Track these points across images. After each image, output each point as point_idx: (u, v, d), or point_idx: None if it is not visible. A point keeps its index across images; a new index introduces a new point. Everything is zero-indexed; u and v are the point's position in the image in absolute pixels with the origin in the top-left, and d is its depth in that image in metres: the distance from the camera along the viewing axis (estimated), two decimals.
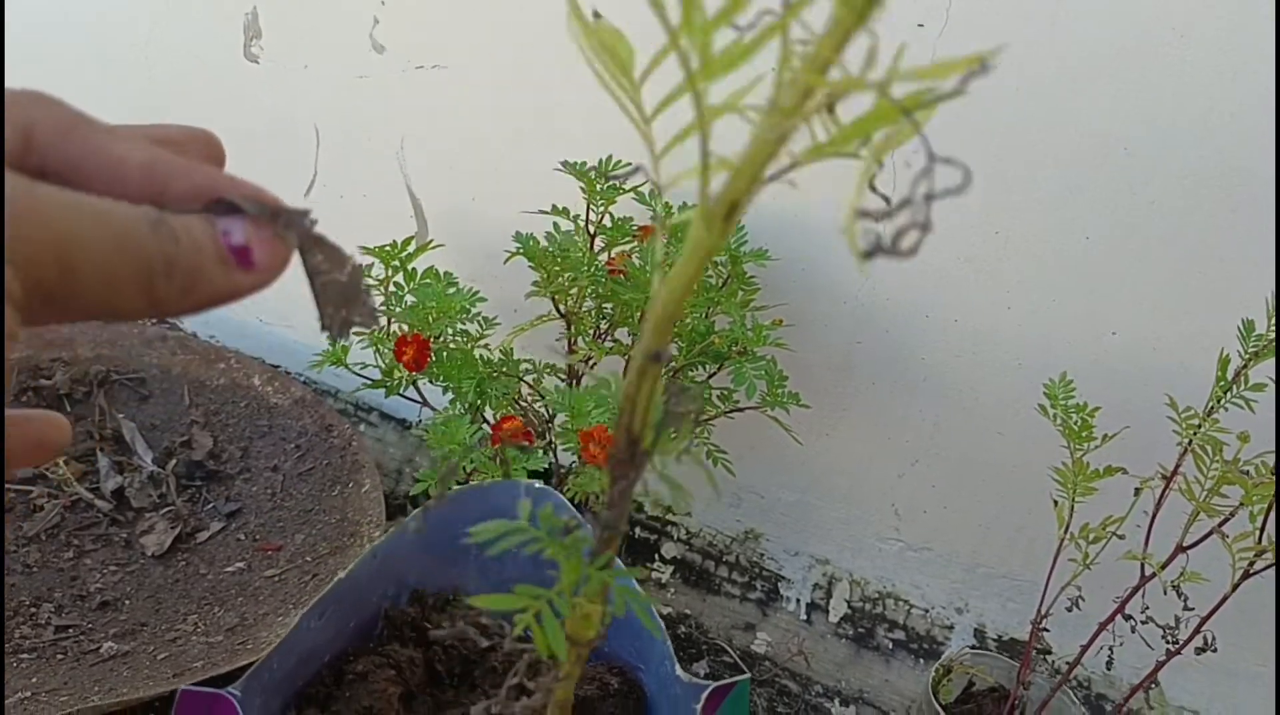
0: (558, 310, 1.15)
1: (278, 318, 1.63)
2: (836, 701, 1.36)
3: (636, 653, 0.69)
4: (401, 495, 1.45)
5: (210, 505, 1.30)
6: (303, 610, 0.60)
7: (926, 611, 1.35)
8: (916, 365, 1.26)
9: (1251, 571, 0.86)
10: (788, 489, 1.38)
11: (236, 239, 0.31)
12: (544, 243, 1.10)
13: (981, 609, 1.32)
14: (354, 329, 0.38)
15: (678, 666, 0.60)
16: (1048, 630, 0.98)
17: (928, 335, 1.24)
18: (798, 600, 1.40)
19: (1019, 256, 1.17)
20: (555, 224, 1.13)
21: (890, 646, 1.36)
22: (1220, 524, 0.86)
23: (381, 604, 0.70)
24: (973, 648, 1.24)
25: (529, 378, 1.18)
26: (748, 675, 0.54)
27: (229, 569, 1.21)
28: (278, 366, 1.49)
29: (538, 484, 0.75)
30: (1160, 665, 0.91)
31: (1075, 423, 0.98)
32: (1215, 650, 0.90)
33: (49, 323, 0.28)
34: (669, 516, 1.47)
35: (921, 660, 1.35)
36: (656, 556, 1.46)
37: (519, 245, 1.11)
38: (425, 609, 0.73)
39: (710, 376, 1.17)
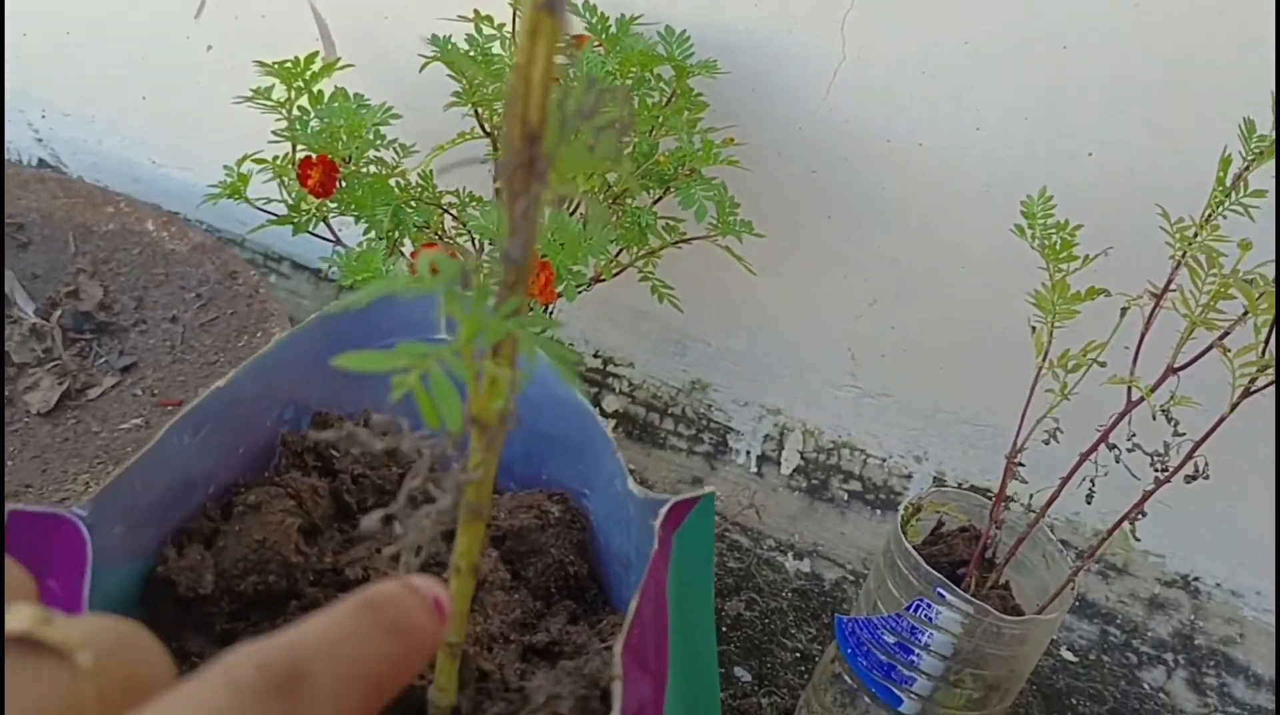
0: (482, 127, 1.02)
1: (172, 159, 1.47)
2: (790, 555, 1.29)
3: (580, 477, 0.59)
4: None
5: (102, 359, 1.18)
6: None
7: (884, 461, 1.28)
8: (876, 196, 1.16)
9: (1252, 389, 0.79)
10: (736, 336, 1.29)
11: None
12: (464, 47, 0.97)
13: (941, 457, 1.25)
14: None
15: (630, 481, 0.50)
16: (1023, 465, 0.91)
17: (889, 162, 1.14)
18: (748, 452, 1.32)
19: (989, 69, 1.07)
20: (477, 27, 1.00)
21: (845, 498, 1.30)
22: (1221, 337, 0.78)
23: (278, 428, 0.59)
24: (942, 486, 1.17)
25: (452, 209, 1.06)
26: (712, 489, 0.44)
27: (124, 426, 1.09)
28: (175, 213, 1.35)
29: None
30: (1148, 495, 0.85)
31: (1055, 242, 0.90)
32: (1208, 477, 0.83)
33: None
34: (610, 367, 1.37)
35: (878, 512, 1.29)
36: (598, 410, 1.36)
37: (435, 49, 0.97)
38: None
39: (655, 202, 1.06)
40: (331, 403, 0.64)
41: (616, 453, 0.55)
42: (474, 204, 1.09)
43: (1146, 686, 1.22)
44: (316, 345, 0.60)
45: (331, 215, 1.07)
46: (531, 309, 0.92)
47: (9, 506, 0.42)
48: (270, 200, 1.06)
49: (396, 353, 0.32)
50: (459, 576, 0.41)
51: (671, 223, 1.07)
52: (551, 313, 1.21)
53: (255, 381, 0.57)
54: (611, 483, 0.57)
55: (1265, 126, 0.83)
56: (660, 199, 1.06)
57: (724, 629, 1.17)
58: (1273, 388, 0.80)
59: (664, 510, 0.49)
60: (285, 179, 1.06)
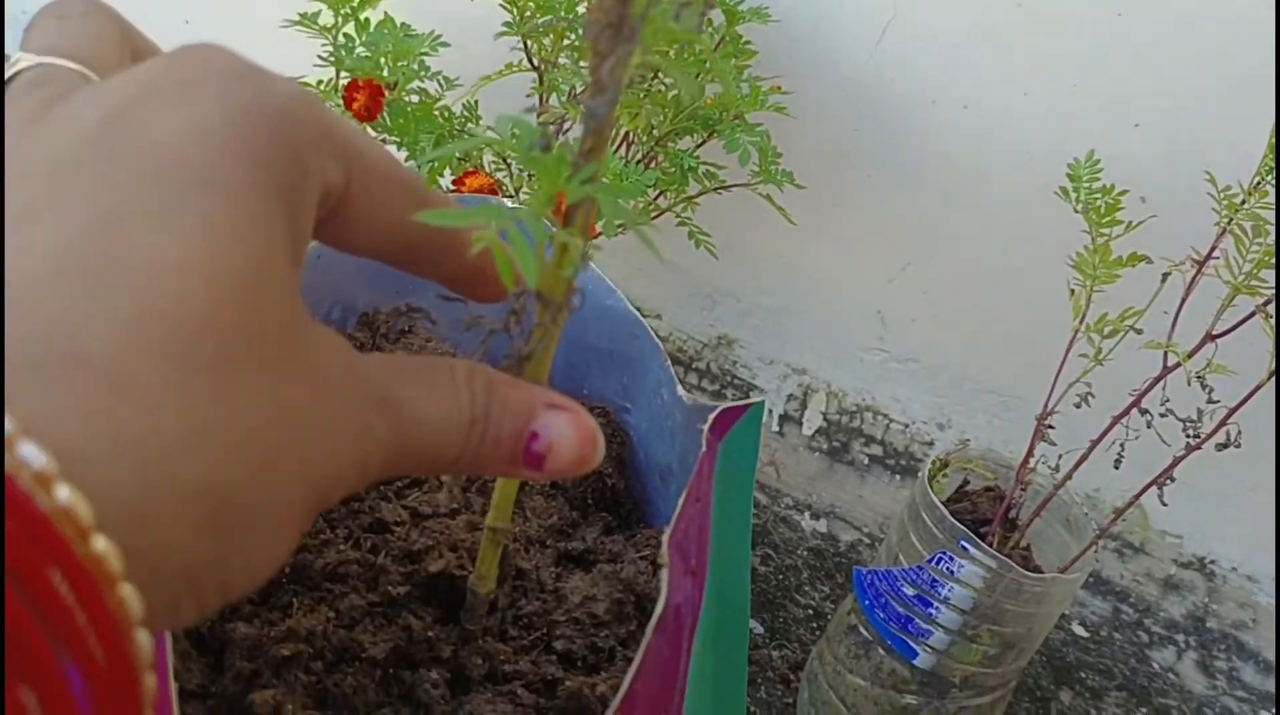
0: (530, 61, 1.02)
1: None
2: (807, 515, 1.29)
3: (622, 390, 0.59)
4: None
5: None
6: None
7: (906, 427, 1.28)
8: (918, 156, 1.16)
9: None
10: (766, 293, 1.29)
11: (538, 447, 0.30)
12: None
13: (965, 426, 1.25)
14: None
15: (679, 388, 0.50)
16: (1052, 427, 0.91)
17: (933, 122, 1.13)
18: (770, 411, 1.32)
19: (1041, 32, 1.06)
20: None
21: (866, 462, 1.29)
22: (1264, 304, 0.78)
23: (326, 326, 0.59)
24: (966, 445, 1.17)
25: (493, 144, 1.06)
26: (762, 399, 0.44)
27: None
28: None
29: (513, 203, 0.64)
30: (1178, 460, 0.84)
31: (1100, 205, 0.89)
32: (1239, 446, 0.83)
33: None
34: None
35: (898, 477, 1.29)
36: None
37: None
38: (376, 336, 0.63)
39: (698, 146, 1.05)
40: (379, 305, 0.64)
41: (665, 361, 0.55)
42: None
43: (1156, 665, 1.22)
44: None
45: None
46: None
47: None
48: None
49: (476, 211, 0.32)
50: None
51: (712, 169, 1.06)
52: (587, 251, 1.21)
53: (310, 273, 0.57)
54: (658, 392, 0.57)
55: None
56: (703, 144, 1.06)
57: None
58: None
59: (713, 416, 0.49)
60: (331, 103, 1.06)
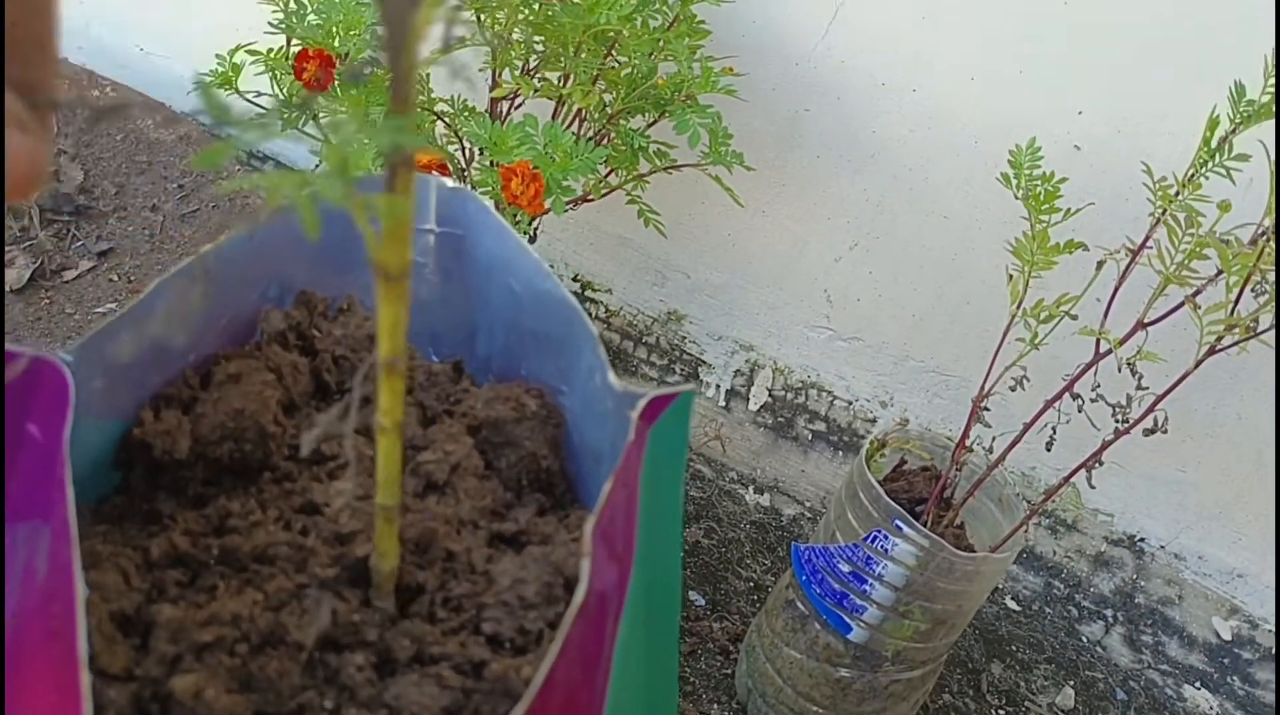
0: (482, 35, 1.01)
1: (162, 46, 1.45)
2: (750, 489, 1.31)
3: (558, 373, 0.60)
4: None
5: (79, 243, 1.16)
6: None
7: (850, 403, 1.30)
8: (866, 139, 1.17)
9: (1218, 348, 0.81)
10: (716, 269, 1.30)
11: None
12: None
13: (907, 403, 1.27)
14: None
15: (611, 374, 0.50)
16: (988, 409, 0.93)
17: (882, 105, 1.14)
18: (717, 386, 1.34)
19: (989, 18, 1.07)
20: None
21: (809, 437, 1.31)
22: (1193, 294, 0.80)
23: (261, 305, 0.59)
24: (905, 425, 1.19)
25: (445, 116, 1.06)
26: (692, 387, 0.45)
27: (99, 310, 1.09)
28: (162, 102, 1.33)
29: (452, 183, 0.64)
30: (1107, 444, 0.87)
31: (1040, 192, 0.91)
32: (1166, 431, 0.85)
33: None
34: (588, 293, 1.37)
35: (841, 453, 1.31)
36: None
37: None
38: (313, 314, 0.63)
39: (649, 125, 1.06)
40: (316, 285, 0.64)
41: (598, 347, 0.56)
42: (468, 113, 1.09)
43: (1085, 639, 1.25)
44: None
45: (322, 115, 1.06)
46: (519, 219, 0.92)
47: None
48: (261, 94, 1.05)
49: (278, 176, 0.32)
50: (385, 435, 0.41)
51: (663, 148, 1.07)
52: (535, 231, 1.21)
53: (243, 253, 0.57)
54: (591, 376, 0.57)
55: (1255, 90, 0.84)
56: (654, 123, 1.06)
57: (682, 555, 1.19)
58: (1239, 354, 0.82)
59: (642, 403, 0.50)
60: (278, 73, 1.05)
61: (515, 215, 0.97)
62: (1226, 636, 1.21)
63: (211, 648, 0.45)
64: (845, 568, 0.91)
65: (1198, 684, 1.22)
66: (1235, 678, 1.21)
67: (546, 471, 0.62)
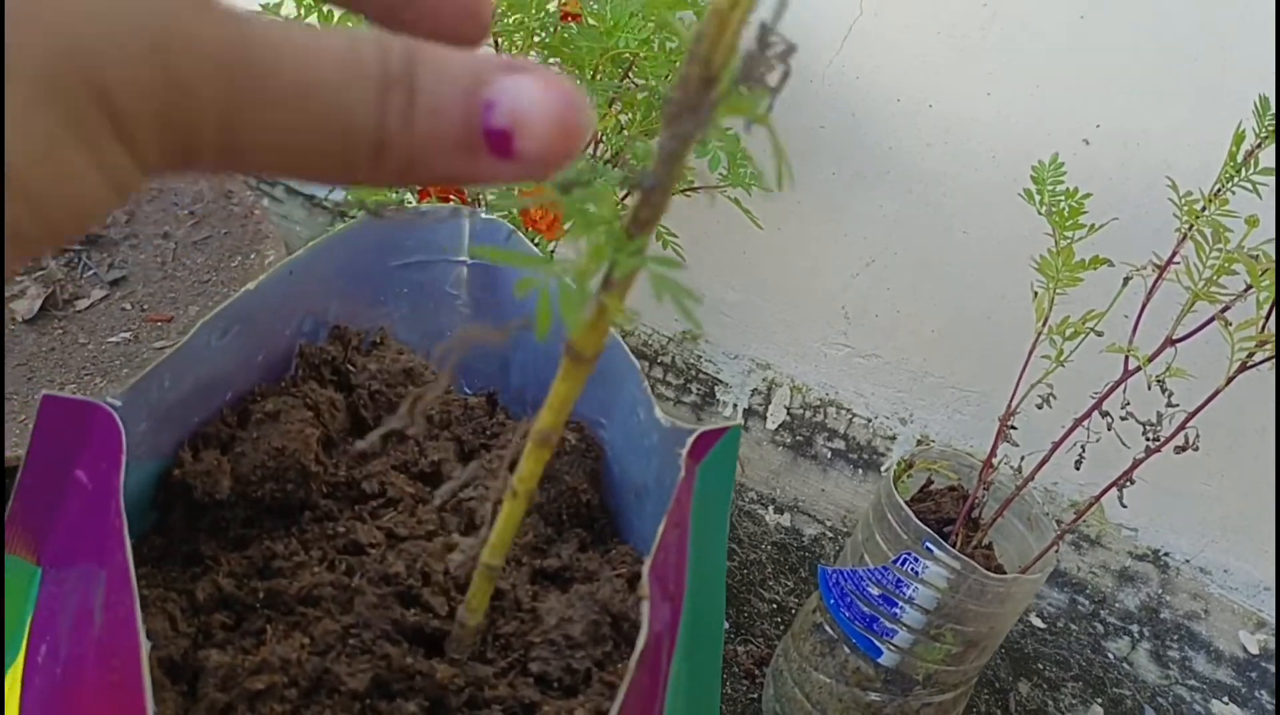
0: None
1: None
2: (770, 509, 1.30)
3: (598, 405, 0.59)
4: None
5: (91, 272, 1.16)
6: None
7: (869, 421, 1.29)
8: (882, 155, 1.16)
9: (1250, 363, 0.80)
10: (732, 288, 1.29)
11: (498, 119, 0.21)
12: None
13: (926, 420, 1.26)
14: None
15: (657, 409, 0.50)
16: (1015, 427, 0.92)
17: (897, 121, 1.14)
18: (735, 405, 1.33)
19: (1004, 34, 1.07)
20: None
21: (829, 456, 1.31)
22: (1222, 311, 0.79)
23: (295, 340, 0.59)
24: (926, 447, 1.18)
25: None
26: (739, 422, 0.44)
27: (112, 339, 1.08)
28: None
29: (486, 213, 0.64)
30: (1138, 463, 0.86)
31: (1063, 208, 0.90)
32: (1197, 449, 0.85)
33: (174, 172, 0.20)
34: None
35: (861, 471, 1.30)
36: None
37: None
38: (347, 349, 0.62)
39: None
40: (350, 318, 0.63)
41: (642, 382, 0.55)
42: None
43: (1111, 655, 1.24)
44: (341, 258, 0.60)
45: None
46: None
47: (44, 393, 0.42)
48: None
49: (528, 257, 0.32)
50: (514, 500, 0.41)
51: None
52: (552, 252, 1.21)
53: (282, 288, 0.56)
54: (634, 411, 0.57)
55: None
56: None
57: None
58: (1268, 364, 0.81)
59: (691, 439, 0.50)
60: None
61: (534, 239, 0.96)
62: (1254, 650, 1.20)
63: (263, 695, 0.45)
64: (874, 591, 0.90)
65: (1225, 699, 1.21)
66: (1263, 691, 1.20)
67: (587, 506, 0.61)
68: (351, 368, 0.62)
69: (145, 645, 0.37)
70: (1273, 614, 1.19)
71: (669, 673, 0.48)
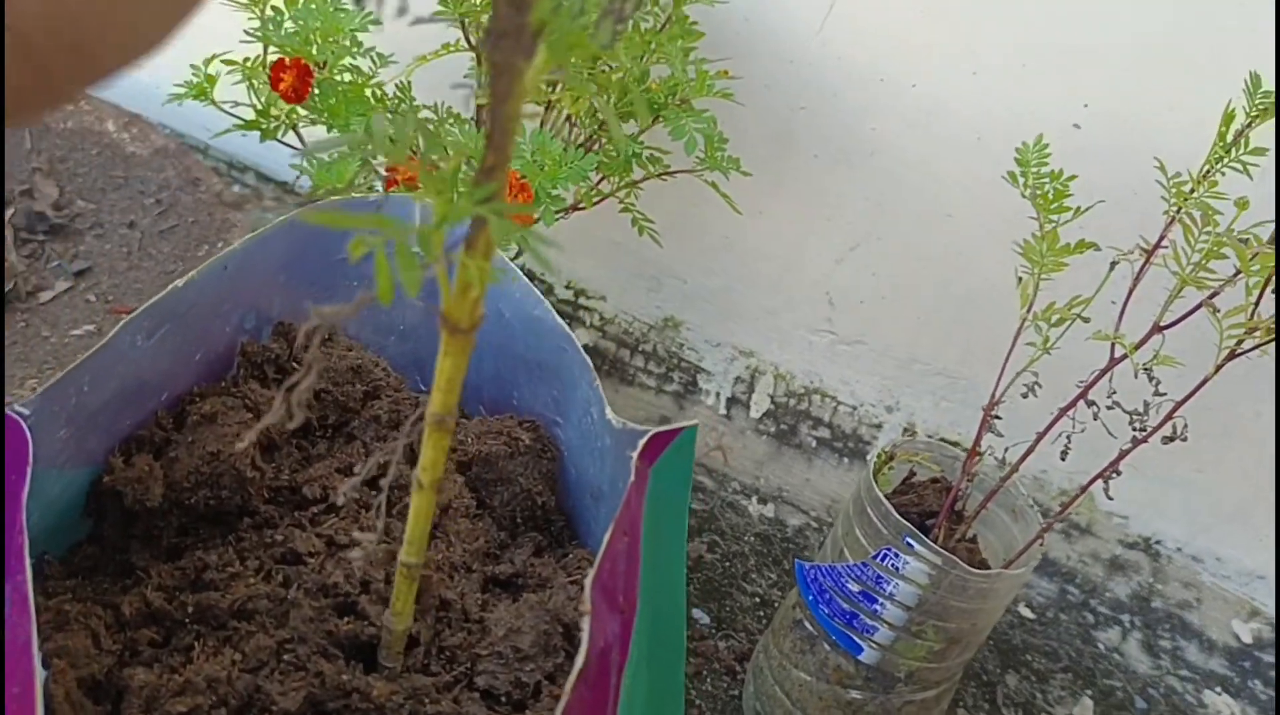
0: (467, 40, 0.98)
1: None
2: (754, 499, 1.28)
3: (553, 403, 0.57)
4: None
5: (55, 262, 1.13)
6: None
7: (854, 409, 1.26)
8: (865, 136, 1.13)
9: (1239, 351, 0.77)
10: (713, 274, 1.27)
11: None
12: None
13: (913, 407, 1.24)
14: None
15: (608, 410, 0.47)
16: (999, 417, 0.90)
17: (880, 102, 1.11)
18: (717, 394, 1.31)
19: (990, 12, 1.03)
20: None
21: (814, 445, 1.28)
22: (1210, 297, 0.77)
23: (237, 337, 0.56)
24: (912, 436, 1.16)
25: (430, 124, 1.02)
26: (695, 422, 0.42)
27: (75, 332, 1.05)
28: (138, 114, 1.29)
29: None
30: (1124, 454, 0.83)
31: (1048, 191, 0.87)
32: (1185, 439, 0.82)
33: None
34: (582, 300, 1.34)
35: (846, 460, 1.27)
36: None
37: None
38: (292, 346, 0.59)
39: (642, 131, 1.02)
40: (295, 314, 0.61)
41: (595, 381, 0.52)
42: (452, 120, 1.05)
43: (1101, 646, 1.22)
44: (282, 251, 0.57)
45: (302, 124, 1.02)
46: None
47: None
48: (238, 104, 1.02)
49: (371, 217, 0.30)
50: (421, 492, 0.38)
51: (656, 153, 1.03)
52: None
53: (217, 284, 0.54)
54: (587, 410, 0.54)
55: (1271, 82, 0.81)
56: (648, 128, 1.02)
57: (686, 581, 1.15)
58: (1258, 352, 0.79)
59: (643, 442, 0.47)
60: (255, 83, 1.01)
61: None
62: (1247, 639, 1.18)
63: None
64: (854, 587, 0.87)
65: (1219, 689, 1.19)
66: (1257, 681, 1.18)
67: (542, 508, 0.58)
68: (296, 366, 0.59)
69: (40, 674, 0.35)
70: (1266, 603, 1.17)
71: (620, 685, 0.46)
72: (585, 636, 0.40)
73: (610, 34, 0.31)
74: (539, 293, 0.55)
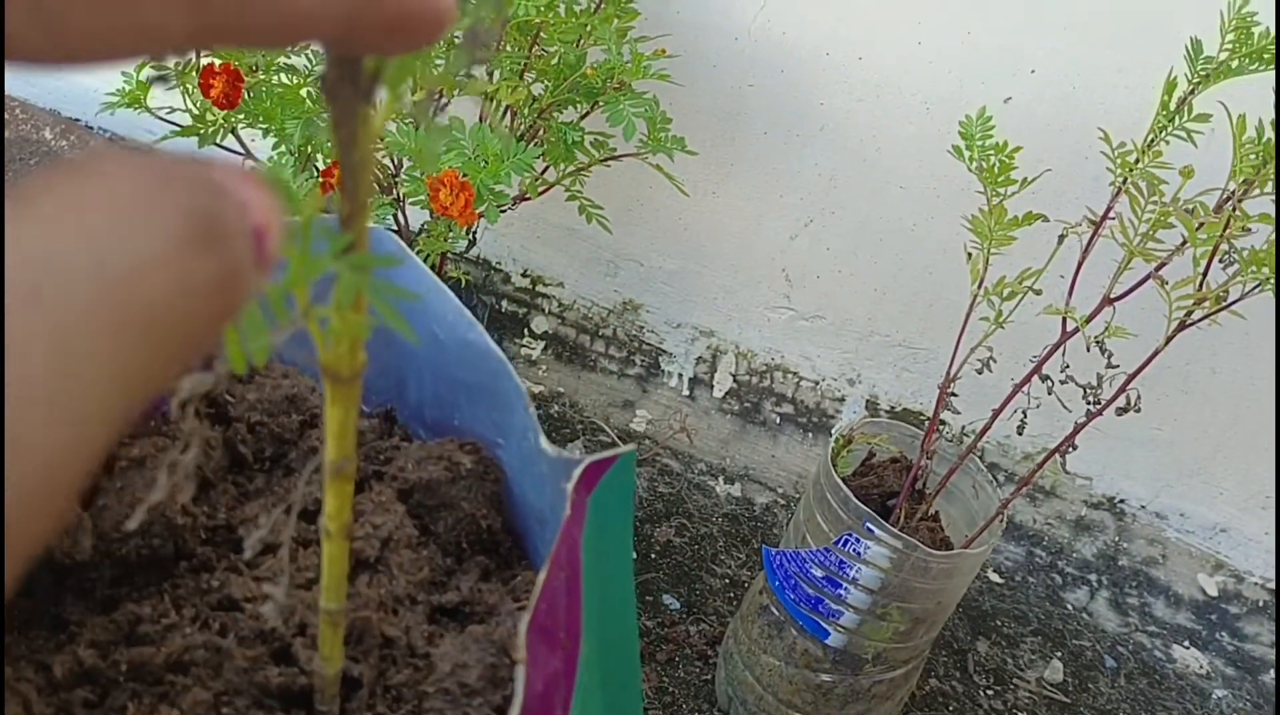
0: None
1: None
2: (721, 479, 1.28)
3: (494, 425, 0.56)
4: None
5: None
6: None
7: (816, 383, 1.26)
8: (814, 112, 1.12)
9: (1189, 322, 0.77)
10: (669, 256, 1.25)
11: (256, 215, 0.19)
12: None
13: (874, 380, 1.24)
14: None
15: (543, 438, 0.46)
16: (955, 395, 0.89)
17: (827, 76, 1.10)
18: (680, 375, 1.30)
19: None
20: None
21: (778, 421, 1.28)
22: (1158, 268, 0.76)
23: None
24: (872, 417, 1.16)
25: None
26: (632, 447, 0.41)
27: None
28: (75, 119, 1.26)
29: (373, 225, 0.59)
30: (1079, 427, 0.83)
31: (993, 164, 0.86)
32: (1139, 410, 0.82)
33: None
34: (539, 288, 1.33)
35: (810, 435, 1.27)
36: (526, 332, 1.33)
37: None
38: (225, 377, 0.57)
39: (583, 117, 1.00)
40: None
41: (529, 406, 0.51)
42: (392, 117, 1.03)
43: (1070, 606, 1.23)
44: None
45: (241, 127, 1.00)
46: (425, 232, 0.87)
47: None
48: (174, 109, 0.99)
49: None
50: (330, 540, 0.37)
51: (600, 139, 1.02)
52: (474, 235, 1.17)
53: None
54: (525, 436, 0.53)
55: (1212, 47, 0.80)
56: (588, 114, 1.01)
57: (653, 556, 1.15)
58: (1207, 322, 0.79)
59: (577, 472, 0.46)
60: (189, 88, 0.99)
61: (449, 227, 0.92)
62: (1213, 592, 1.19)
63: None
64: (818, 572, 0.87)
65: (1186, 643, 1.20)
66: (1224, 633, 1.19)
67: (489, 531, 0.58)
68: (230, 398, 0.58)
69: None
70: (1229, 556, 1.18)
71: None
72: (520, 684, 0.39)
73: (467, 61, 0.29)
74: (470, 316, 0.54)
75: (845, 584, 0.86)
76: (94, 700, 0.46)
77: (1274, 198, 0.74)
